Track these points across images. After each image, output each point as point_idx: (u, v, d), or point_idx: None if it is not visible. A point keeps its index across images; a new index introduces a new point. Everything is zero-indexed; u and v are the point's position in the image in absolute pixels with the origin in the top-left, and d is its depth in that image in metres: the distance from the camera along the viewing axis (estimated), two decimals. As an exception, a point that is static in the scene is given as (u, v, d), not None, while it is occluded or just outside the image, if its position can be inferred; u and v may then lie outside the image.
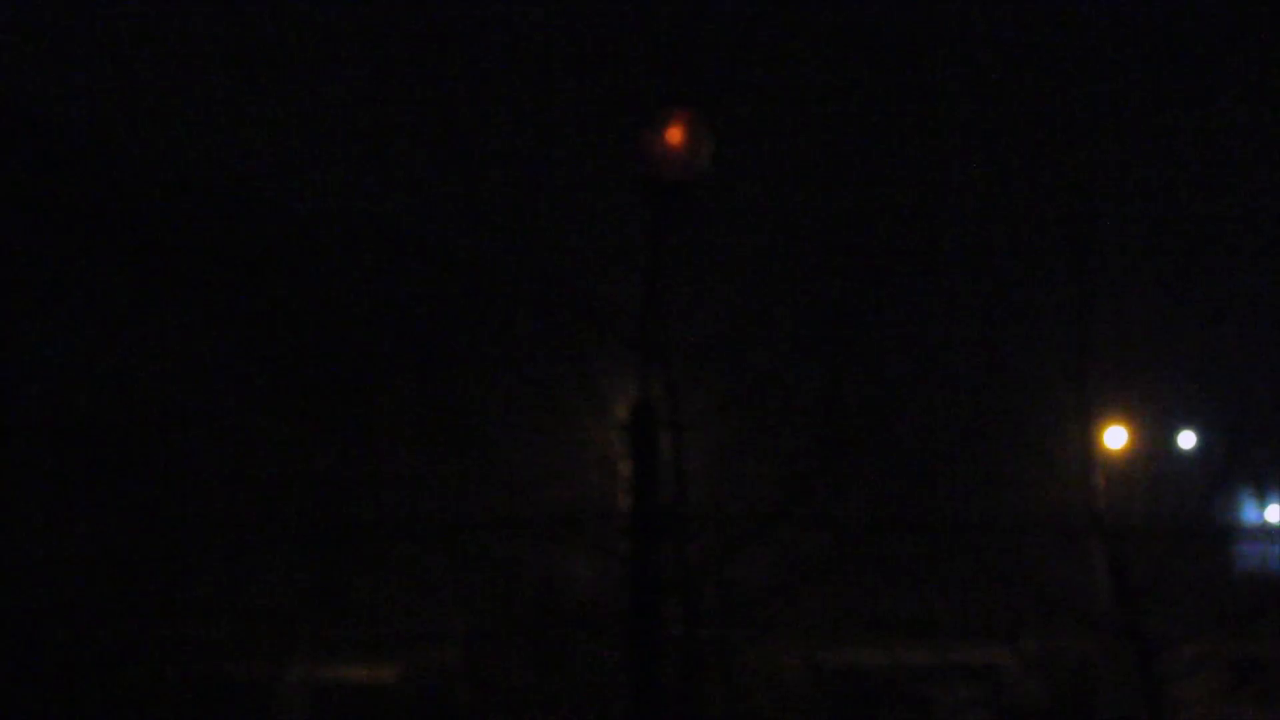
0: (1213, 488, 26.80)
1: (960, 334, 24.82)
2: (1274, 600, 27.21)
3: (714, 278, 23.51)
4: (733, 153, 20.88)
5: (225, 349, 24.75)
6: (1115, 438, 29.04)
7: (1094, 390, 25.75)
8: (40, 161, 25.03)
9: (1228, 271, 28.18)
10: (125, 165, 25.72)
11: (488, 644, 24.29)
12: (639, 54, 23.72)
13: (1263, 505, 32.08)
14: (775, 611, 23.57)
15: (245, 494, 23.77)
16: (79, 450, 23.44)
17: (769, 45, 25.68)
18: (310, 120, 25.41)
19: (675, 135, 16.65)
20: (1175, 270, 27.39)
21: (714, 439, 22.78)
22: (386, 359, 24.60)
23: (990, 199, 25.28)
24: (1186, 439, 32.12)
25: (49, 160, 25.09)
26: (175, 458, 23.90)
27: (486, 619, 24.25)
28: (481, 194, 24.02)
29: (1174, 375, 28.20)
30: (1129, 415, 28.99)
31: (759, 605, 23.14)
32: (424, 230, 25.12)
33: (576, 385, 22.86)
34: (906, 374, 24.33)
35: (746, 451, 23.64)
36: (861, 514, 23.80)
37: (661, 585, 17.98)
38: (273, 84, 26.08)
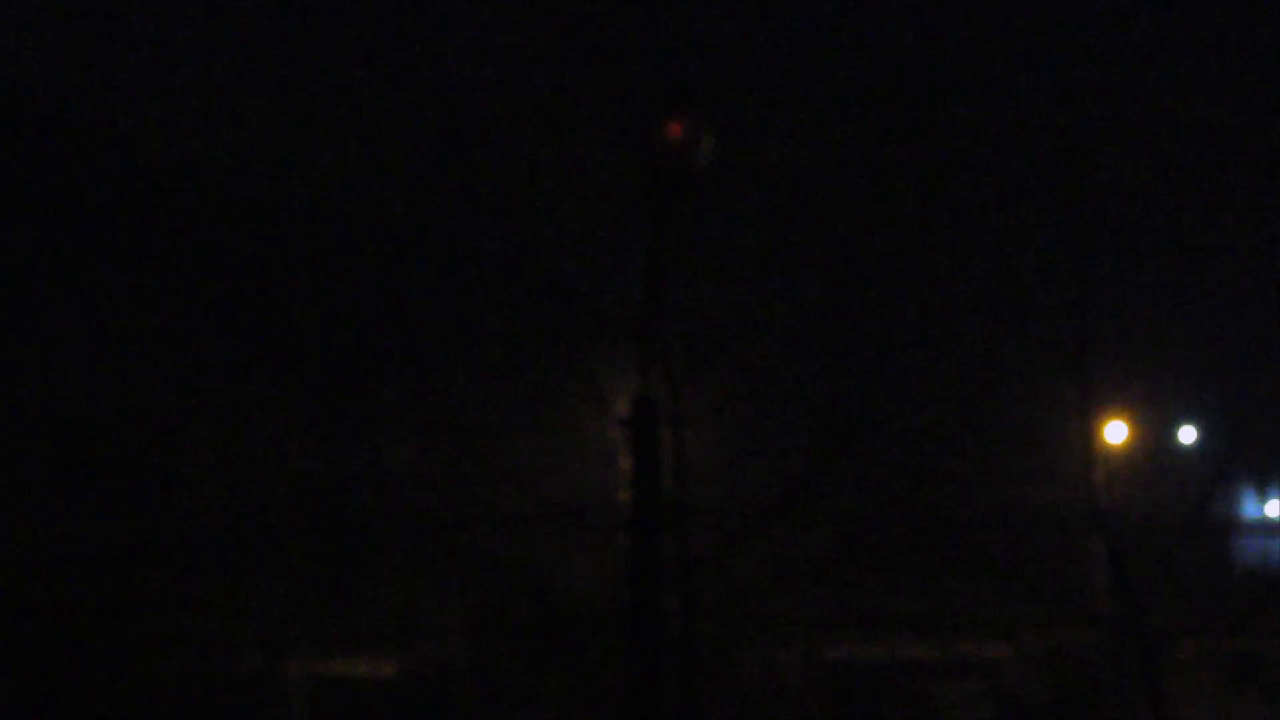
0: (1213, 483, 26.83)
1: (961, 329, 24.81)
2: (1274, 596, 27.23)
3: (715, 272, 23.51)
4: (734, 148, 20.88)
5: (223, 345, 24.73)
6: (1116, 433, 29.04)
7: (1095, 385, 25.78)
8: (37, 158, 25.01)
9: (1228, 267, 28.18)
10: (122, 162, 25.70)
11: (488, 638, 24.28)
12: (640, 49, 23.71)
13: (1263, 500, 32.07)
14: (775, 606, 23.57)
15: (244, 489, 23.76)
16: (78, 446, 23.43)
17: (770, 42, 25.68)
18: (308, 116, 25.39)
19: (676, 130, 16.63)
20: (1176, 266, 27.39)
21: (714, 433, 22.78)
22: (385, 353, 24.58)
23: (991, 195, 25.28)
24: (1187, 434, 32.11)
25: (46, 157, 25.07)
26: (173, 453, 23.89)
27: (486, 613, 24.24)
28: (481, 189, 24.01)
29: (1175, 370, 28.21)
30: (1129, 410, 28.99)
31: (759, 600, 23.14)
32: (423, 225, 25.11)
33: (577, 380, 22.87)
34: (907, 369, 24.32)
35: (747, 446, 23.65)
36: (861, 509, 23.80)
37: (661, 580, 17.97)
38: (270, 79, 26.06)
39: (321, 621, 24.44)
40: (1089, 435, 26.70)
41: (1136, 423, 29.35)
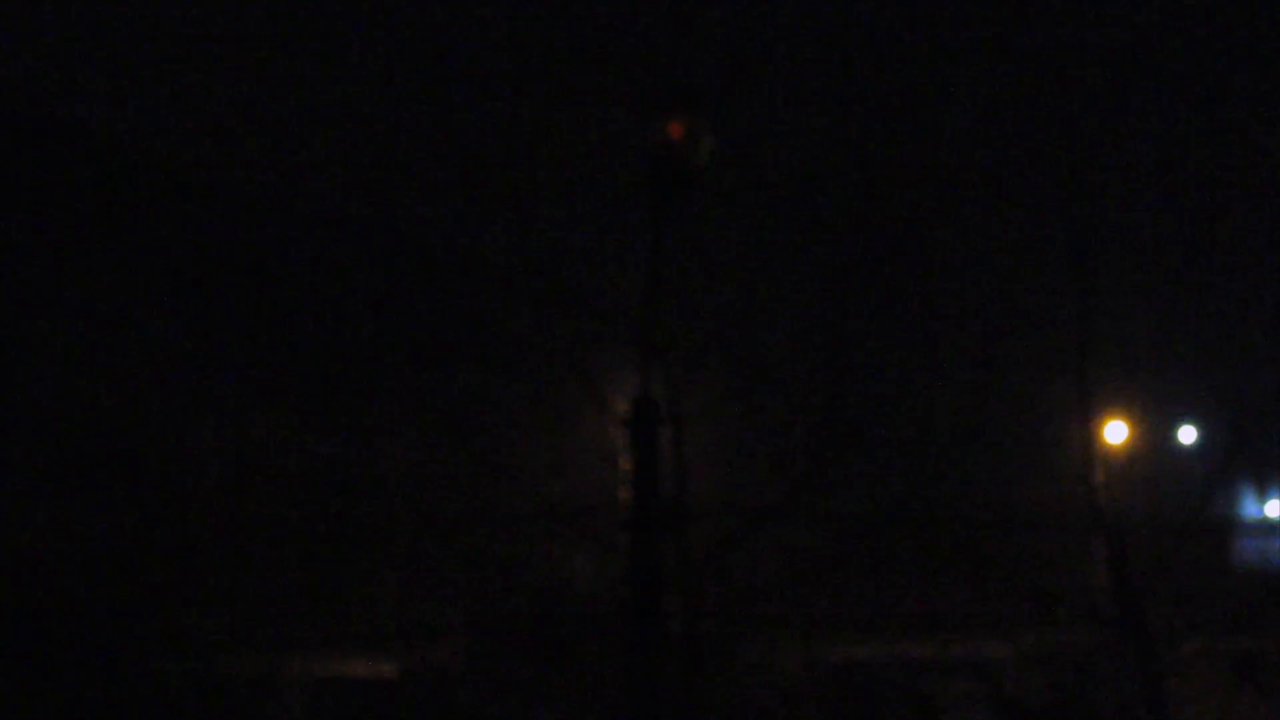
0: (1213, 483, 26.81)
1: (962, 330, 24.83)
2: (1274, 596, 27.23)
3: (715, 273, 23.53)
4: (734, 148, 20.88)
5: (226, 346, 24.75)
6: (1116, 433, 29.01)
7: (1095, 385, 25.76)
8: (42, 160, 25.03)
9: (1228, 268, 28.18)
10: (126, 163, 25.71)
11: (488, 638, 24.29)
12: (641, 49, 23.73)
13: (1263, 500, 32.06)
14: (776, 606, 23.59)
15: (246, 489, 23.77)
16: (79, 446, 23.44)
17: (771, 42, 25.69)
18: (310, 116, 25.42)
19: (676, 131, 16.61)
20: (1176, 266, 27.40)
21: (715, 434, 22.79)
22: (387, 355, 24.60)
23: (992, 196, 25.30)
24: (1187, 434, 32.10)
25: (50, 159, 25.09)
26: (176, 453, 23.90)
27: (487, 613, 24.26)
28: (483, 190, 24.03)
29: (1175, 370, 28.20)
30: (1130, 410, 28.96)
31: (759, 599, 23.16)
32: (425, 226, 25.13)
33: (577, 380, 22.88)
34: (908, 370, 24.34)
35: (747, 446, 23.66)
36: (862, 509, 23.81)
37: (662, 579, 17.95)
38: (273, 82, 26.09)
39: (321, 621, 24.45)
40: (1089, 435, 26.69)
41: (1136, 423, 29.33)
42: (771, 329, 24.09)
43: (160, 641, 23.03)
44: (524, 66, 24.57)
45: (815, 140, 24.66)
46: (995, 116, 25.60)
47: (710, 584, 22.01)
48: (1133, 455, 28.79)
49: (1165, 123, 28.61)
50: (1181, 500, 26.61)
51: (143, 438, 23.72)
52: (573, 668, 23.15)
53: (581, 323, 23.41)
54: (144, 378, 24.14)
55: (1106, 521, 25.34)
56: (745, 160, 23.35)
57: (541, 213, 23.89)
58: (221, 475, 23.82)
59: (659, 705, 17.37)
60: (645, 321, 19.70)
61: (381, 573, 24.31)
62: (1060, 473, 25.87)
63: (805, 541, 23.58)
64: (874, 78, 25.21)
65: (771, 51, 25.56)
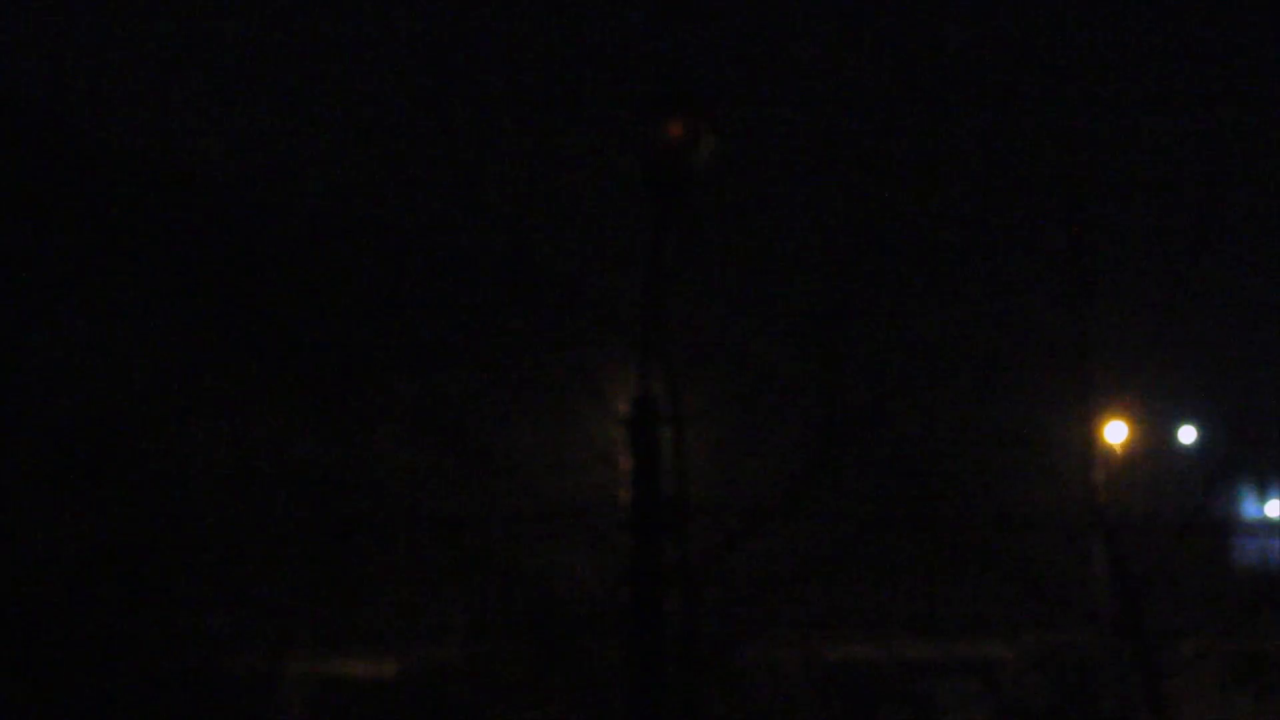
0: (1213, 483, 26.84)
1: (961, 329, 24.81)
2: (1274, 595, 27.24)
3: (715, 272, 23.52)
4: (735, 148, 20.86)
5: (224, 345, 24.74)
6: (1116, 433, 29.05)
7: (1094, 385, 25.78)
8: (38, 159, 25.02)
9: (1229, 267, 28.18)
10: (122, 162, 25.70)
11: (488, 638, 24.29)
12: (641, 49, 23.73)
13: (1263, 500, 32.11)
14: (776, 606, 23.59)
15: (245, 489, 23.76)
16: (78, 445, 23.44)
17: (771, 42, 25.68)
18: (308, 116, 25.40)
19: (676, 130, 16.61)
20: (1176, 265, 27.38)
21: (715, 434, 22.77)
22: (387, 354, 24.59)
23: (990, 194, 25.28)
24: (1187, 434, 32.17)
25: (47, 158, 25.07)
26: (174, 452, 23.89)
27: (487, 613, 24.26)
28: (482, 189, 24.02)
29: (1175, 370, 28.20)
30: (1130, 410, 28.99)
31: (760, 600, 23.15)
32: (424, 225, 25.12)
33: (577, 380, 22.89)
34: (907, 369, 24.33)
35: (748, 446, 23.65)
36: (862, 509, 23.80)
37: (662, 580, 17.95)
38: (270, 79, 26.08)
39: (321, 621, 24.45)
40: (1089, 435, 26.72)
41: (1136, 423, 29.35)
42: (772, 329, 24.07)
43: (160, 641, 23.02)
44: (523, 65, 24.57)
45: (816, 139, 24.65)
46: (996, 114, 25.58)
47: (710, 583, 21.98)
48: (1133, 455, 28.81)
49: (1165, 121, 28.59)
50: (1181, 500, 26.65)
51: (143, 438, 23.71)
52: (573, 668, 23.15)
53: (581, 323, 23.41)
54: (143, 378, 24.13)
55: (1106, 521, 25.37)
56: (746, 157, 23.35)
57: (541, 211, 23.89)
58: (222, 474, 23.81)
59: (659, 705, 17.36)
60: (645, 321, 19.69)
61: (381, 573, 24.29)
62: (1060, 473, 25.89)
63: (805, 541, 23.56)
64: (876, 77, 25.21)
65: (772, 50, 25.55)
